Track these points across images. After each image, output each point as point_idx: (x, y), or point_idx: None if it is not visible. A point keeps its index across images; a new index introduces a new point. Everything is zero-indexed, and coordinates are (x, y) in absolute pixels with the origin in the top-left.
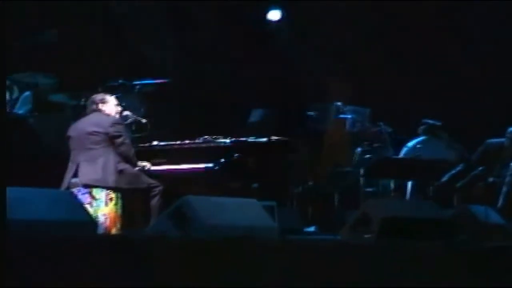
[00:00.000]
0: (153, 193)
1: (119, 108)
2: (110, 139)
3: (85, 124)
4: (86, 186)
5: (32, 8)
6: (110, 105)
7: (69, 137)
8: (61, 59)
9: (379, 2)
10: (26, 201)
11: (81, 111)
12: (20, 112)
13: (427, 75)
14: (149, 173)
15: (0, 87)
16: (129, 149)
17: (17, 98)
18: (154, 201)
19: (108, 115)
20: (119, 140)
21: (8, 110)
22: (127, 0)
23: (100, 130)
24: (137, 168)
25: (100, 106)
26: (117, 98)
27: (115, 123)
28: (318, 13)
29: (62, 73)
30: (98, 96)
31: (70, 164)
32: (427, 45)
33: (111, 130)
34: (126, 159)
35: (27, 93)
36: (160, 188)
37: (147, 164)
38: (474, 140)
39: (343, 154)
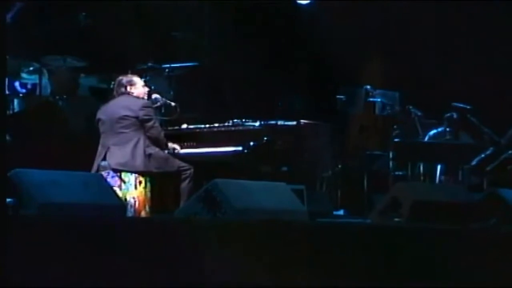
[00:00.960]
0: (184, 176)
1: (147, 89)
2: (141, 123)
3: (115, 107)
4: (115, 170)
5: None
6: (138, 87)
7: (99, 120)
8: (90, 42)
9: None
10: (55, 184)
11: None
12: (49, 94)
13: (456, 58)
14: (179, 156)
15: (0, 87)
16: (159, 132)
17: (47, 81)
18: (185, 184)
19: (137, 97)
20: (149, 123)
21: (37, 92)
22: None
23: (131, 114)
24: (166, 151)
25: (129, 88)
26: (146, 81)
27: (145, 106)
28: None
29: (92, 56)
30: (125, 78)
31: (100, 147)
32: (456, 27)
33: (141, 113)
34: (156, 142)
35: (56, 76)
36: (191, 171)
37: (176, 147)
38: (504, 124)
39: (373, 138)
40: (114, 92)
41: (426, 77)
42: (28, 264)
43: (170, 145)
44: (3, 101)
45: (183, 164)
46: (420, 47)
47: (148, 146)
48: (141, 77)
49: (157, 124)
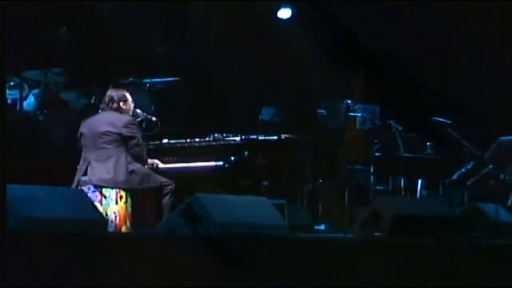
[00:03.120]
0: (165, 191)
1: (133, 105)
2: (123, 140)
3: (98, 123)
4: (96, 186)
5: (42, 6)
6: (129, 103)
7: (81, 134)
8: (71, 57)
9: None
10: (36, 199)
11: (91, 109)
12: (30, 109)
13: (437, 72)
14: (160, 171)
15: (0, 87)
16: (142, 150)
17: (27, 96)
18: (166, 199)
19: (121, 113)
20: (133, 141)
21: (18, 107)
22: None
23: (113, 130)
24: (147, 166)
25: (122, 104)
26: None
27: (128, 123)
28: (327, 10)
29: (73, 70)
30: (116, 93)
31: (81, 162)
32: (437, 40)
33: (124, 130)
34: (138, 159)
35: (36, 90)
36: (172, 186)
37: (157, 161)
38: (484, 138)
39: (354, 152)
40: (102, 106)
41: (407, 91)
42: (9, 279)
43: (150, 160)
44: (3, 101)
45: (164, 179)
46: (401, 60)
47: (130, 163)
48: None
49: (141, 142)
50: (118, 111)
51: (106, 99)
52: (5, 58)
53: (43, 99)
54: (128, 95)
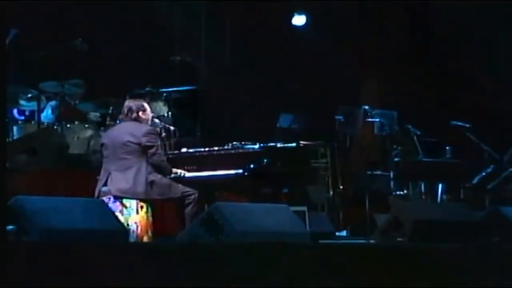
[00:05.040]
0: (188, 201)
1: (151, 115)
2: (143, 149)
3: (119, 133)
4: (116, 196)
5: (59, 17)
6: (148, 113)
7: (102, 145)
8: (88, 68)
9: (409, 3)
10: (56, 211)
11: (109, 120)
12: (47, 121)
13: (455, 76)
14: (181, 180)
15: (0, 87)
16: (162, 159)
17: (44, 108)
18: (189, 209)
19: (141, 123)
20: (152, 150)
21: (36, 119)
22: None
23: (133, 140)
24: (171, 176)
25: (141, 114)
26: None
27: (148, 132)
28: (343, 15)
29: (89, 81)
30: (136, 103)
31: (102, 172)
32: (455, 46)
33: (144, 140)
34: (158, 168)
35: (53, 102)
36: (195, 195)
37: (182, 172)
38: (504, 141)
39: (373, 158)
40: (121, 116)
41: (425, 96)
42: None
43: (175, 170)
44: (3, 102)
45: (187, 189)
46: (418, 66)
47: (150, 173)
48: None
49: (160, 151)
50: (137, 121)
51: (125, 109)
52: (5, 58)
53: (60, 110)
54: (146, 105)
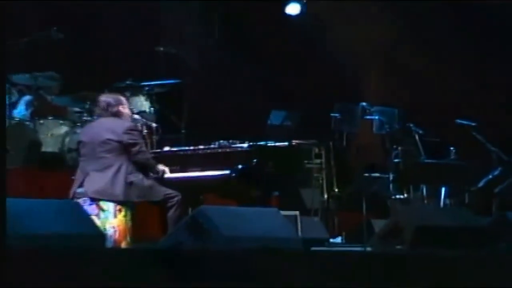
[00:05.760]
0: (170, 204)
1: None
2: (125, 148)
3: (99, 130)
4: (93, 198)
5: (33, 4)
6: (126, 107)
7: (79, 143)
8: (63, 59)
9: None
10: (28, 214)
11: (86, 115)
12: (20, 116)
13: (460, 73)
14: (163, 182)
15: (0, 88)
16: (147, 157)
17: (17, 102)
18: (171, 212)
19: (125, 119)
20: (135, 148)
21: (7, 114)
22: None
23: (114, 137)
24: (153, 176)
25: (121, 108)
26: None
27: (130, 129)
28: (341, 6)
29: (65, 74)
30: (114, 97)
31: (78, 172)
32: (460, 40)
33: (126, 137)
34: (143, 167)
35: (27, 96)
36: (178, 198)
37: (165, 169)
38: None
39: (371, 159)
40: (98, 112)
41: (427, 92)
42: None
43: (160, 167)
44: (3, 104)
45: (169, 191)
46: (421, 60)
47: (130, 173)
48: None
49: (144, 149)
50: (117, 116)
51: (103, 104)
52: (5, 58)
53: (34, 105)
54: (123, 98)
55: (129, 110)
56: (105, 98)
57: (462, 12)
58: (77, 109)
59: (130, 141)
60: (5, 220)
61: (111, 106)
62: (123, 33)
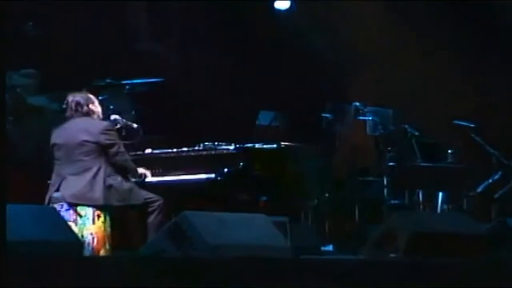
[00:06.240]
0: (151, 209)
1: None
2: (102, 149)
3: (73, 131)
4: (70, 203)
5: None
6: (97, 105)
7: (54, 145)
8: (39, 56)
9: None
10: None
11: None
12: None
13: (457, 72)
14: (145, 186)
15: (0, 88)
16: (126, 158)
17: None
18: (152, 218)
19: (97, 118)
20: (113, 149)
21: None
22: None
23: (90, 138)
24: (134, 180)
25: (91, 106)
26: (104, 100)
27: (106, 129)
28: (334, 3)
29: (41, 72)
30: (80, 96)
31: (53, 176)
32: (459, 39)
33: (102, 138)
34: (123, 170)
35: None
36: (160, 202)
37: (147, 172)
38: None
39: (364, 162)
40: (69, 113)
41: (424, 92)
42: None
43: (140, 170)
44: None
45: (150, 195)
46: (416, 58)
47: (109, 176)
48: (97, 95)
49: (122, 149)
50: (89, 116)
51: (72, 104)
52: (5, 58)
53: (9, 105)
54: (91, 96)
55: (100, 109)
56: (72, 97)
57: (461, 11)
58: (54, 108)
59: (107, 141)
60: (5, 225)
61: (80, 105)
62: (102, 29)
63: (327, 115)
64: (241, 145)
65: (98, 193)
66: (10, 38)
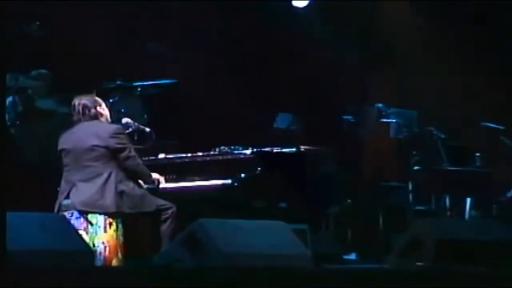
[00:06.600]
0: (164, 217)
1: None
2: (112, 153)
3: (82, 135)
4: (80, 211)
5: None
6: (105, 108)
7: (62, 150)
8: (47, 57)
9: None
10: (9, 228)
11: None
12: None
13: (485, 72)
14: (158, 193)
15: (0, 88)
16: (138, 162)
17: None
18: (165, 226)
19: (105, 121)
20: (124, 153)
21: None
22: None
23: (100, 143)
24: (146, 186)
25: (99, 109)
26: (114, 102)
27: (117, 133)
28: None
29: (49, 73)
30: (88, 98)
31: (62, 183)
32: (487, 35)
33: (112, 142)
34: (135, 175)
35: (10, 98)
36: (173, 210)
37: (161, 178)
38: None
39: (388, 166)
40: (76, 117)
41: (450, 92)
42: None
43: (154, 176)
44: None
45: (163, 202)
46: (442, 57)
47: (120, 182)
48: (107, 97)
49: (133, 153)
50: (97, 118)
51: (79, 108)
52: (5, 58)
53: (17, 108)
54: (99, 99)
55: (107, 112)
56: (79, 101)
57: (488, 10)
58: (64, 112)
59: (118, 145)
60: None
61: (87, 108)
62: (112, 29)
63: (348, 117)
64: (259, 149)
65: (109, 200)
66: (15, 39)
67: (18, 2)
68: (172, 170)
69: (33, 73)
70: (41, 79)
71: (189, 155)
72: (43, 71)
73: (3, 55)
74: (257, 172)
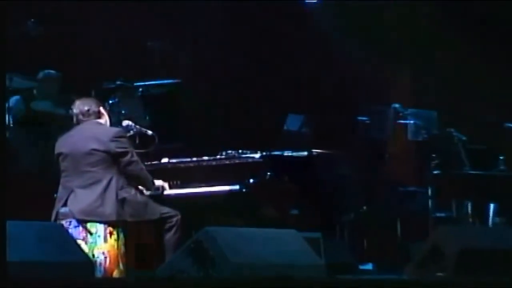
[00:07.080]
0: (169, 225)
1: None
2: (113, 158)
3: (81, 139)
4: (79, 220)
5: None
6: (103, 110)
7: (59, 155)
8: (45, 57)
9: None
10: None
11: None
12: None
13: (509, 70)
14: (162, 200)
15: (0, 88)
16: (140, 168)
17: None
18: (170, 235)
19: (105, 124)
20: (125, 158)
21: None
22: None
23: (99, 147)
24: (149, 193)
25: (102, 110)
26: (114, 103)
27: (118, 136)
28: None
29: (59, 74)
30: (88, 101)
31: (60, 190)
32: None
33: (113, 146)
34: (137, 181)
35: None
36: (178, 218)
37: (165, 185)
38: None
39: (406, 170)
40: (75, 120)
41: (471, 93)
42: None
43: (158, 183)
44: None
45: (167, 209)
46: (462, 57)
47: (121, 188)
48: (108, 98)
49: (135, 158)
50: (97, 122)
51: (81, 107)
52: (5, 58)
53: (13, 111)
54: (96, 100)
55: (107, 114)
56: (78, 102)
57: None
58: (61, 113)
59: (119, 149)
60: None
61: (87, 110)
62: (112, 23)
63: (363, 118)
64: (268, 153)
65: (109, 208)
66: (14, 39)
67: (18, 2)
68: (176, 176)
69: (41, 73)
70: (50, 80)
71: (194, 159)
72: (52, 71)
73: (3, 55)
74: (267, 177)
